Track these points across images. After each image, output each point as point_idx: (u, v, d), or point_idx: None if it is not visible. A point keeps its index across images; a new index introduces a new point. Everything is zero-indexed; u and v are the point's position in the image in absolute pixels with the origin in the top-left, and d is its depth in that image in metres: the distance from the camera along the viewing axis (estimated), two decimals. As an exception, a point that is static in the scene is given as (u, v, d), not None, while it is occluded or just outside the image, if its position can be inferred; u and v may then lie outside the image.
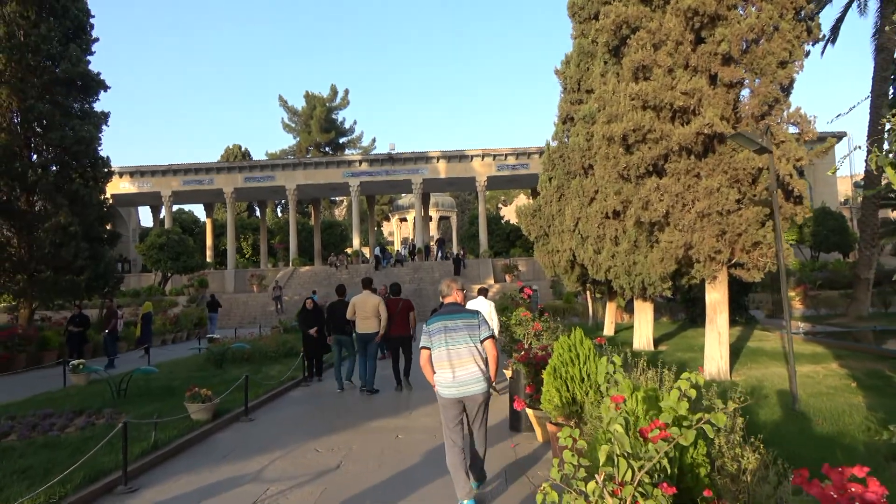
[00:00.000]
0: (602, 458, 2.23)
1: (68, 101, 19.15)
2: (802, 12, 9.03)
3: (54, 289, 18.41)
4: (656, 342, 14.51)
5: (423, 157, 39.95)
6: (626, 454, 2.15)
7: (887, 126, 3.76)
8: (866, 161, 19.94)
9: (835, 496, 1.70)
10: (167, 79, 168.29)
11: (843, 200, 48.24)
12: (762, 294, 24.94)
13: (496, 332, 9.91)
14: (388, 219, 66.72)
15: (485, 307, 9.95)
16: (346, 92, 57.49)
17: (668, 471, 2.21)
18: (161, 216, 43.89)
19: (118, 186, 40.09)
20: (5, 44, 17.39)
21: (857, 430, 6.03)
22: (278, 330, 20.63)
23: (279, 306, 31.48)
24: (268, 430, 7.76)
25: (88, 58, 19.84)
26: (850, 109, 5.16)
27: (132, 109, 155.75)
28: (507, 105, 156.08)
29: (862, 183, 39.82)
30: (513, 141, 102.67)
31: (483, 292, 10.68)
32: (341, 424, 7.87)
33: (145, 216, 50.33)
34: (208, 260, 42.08)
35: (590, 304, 21.84)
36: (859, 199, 47.56)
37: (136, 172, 40.78)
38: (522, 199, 64.72)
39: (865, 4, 22.36)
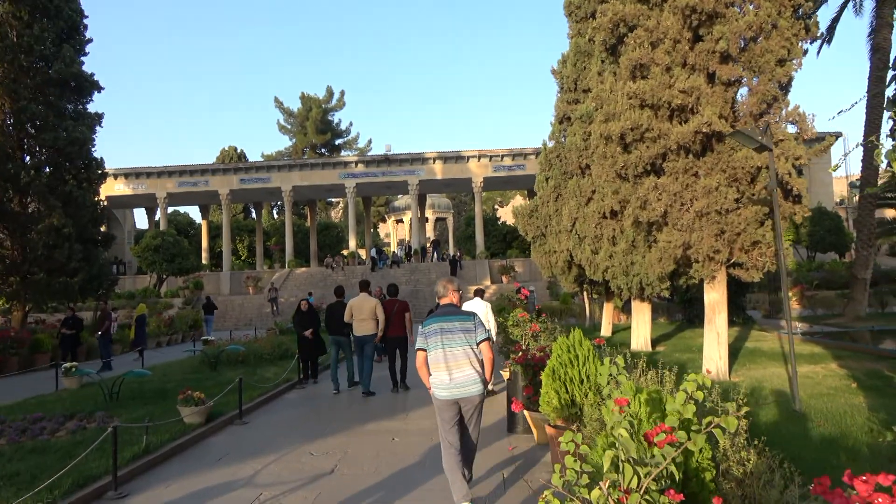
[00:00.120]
0: (606, 464, 2.14)
1: (62, 102, 19.00)
2: (800, 10, 8.98)
3: (47, 291, 18.26)
4: (654, 343, 14.44)
5: (419, 158, 39.86)
6: (631, 460, 2.06)
7: (892, 123, 3.68)
8: (862, 161, 19.95)
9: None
10: (162, 80, 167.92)
11: (838, 201, 48.36)
12: (759, 294, 24.92)
13: (493, 334, 9.88)
14: (384, 220, 66.60)
15: (481, 309, 9.86)
16: (342, 93, 57.40)
17: (676, 477, 2.11)
18: (156, 218, 43.68)
19: (113, 188, 39.90)
20: (-2, 44, 17.26)
21: (860, 431, 5.95)
22: (274, 332, 20.52)
23: (275, 308, 31.33)
24: (262, 433, 7.65)
25: (82, 58, 19.72)
26: (853, 106, 5.09)
27: (127, 111, 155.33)
28: (504, 106, 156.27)
29: (858, 183, 39.89)
30: (509, 142, 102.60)
31: (479, 293, 10.59)
32: (336, 427, 7.76)
33: (141, 218, 50.04)
34: (204, 262, 41.90)
35: (587, 305, 21.77)
36: (855, 199, 47.68)
37: (130, 174, 40.58)
38: (519, 200, 64.68)
39: (861, 4, 22.39)
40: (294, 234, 43.00)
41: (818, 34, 9.40)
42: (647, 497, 2.00)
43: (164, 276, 35.21)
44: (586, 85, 14.25)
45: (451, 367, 4.64)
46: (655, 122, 8.95)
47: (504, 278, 34.23)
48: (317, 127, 54.68)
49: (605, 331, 17.33)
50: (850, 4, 22.38)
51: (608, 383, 2.79)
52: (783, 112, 8.95)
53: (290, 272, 38.32)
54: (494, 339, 10.11)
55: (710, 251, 8.82)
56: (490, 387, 9.73)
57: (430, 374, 4.77)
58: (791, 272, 27.94)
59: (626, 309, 21.06)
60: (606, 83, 10.27)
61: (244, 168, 41.50)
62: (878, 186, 16.50)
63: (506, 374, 9.03)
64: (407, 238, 52.55)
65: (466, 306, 9.62)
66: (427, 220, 53.62)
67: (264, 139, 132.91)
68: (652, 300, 14.28)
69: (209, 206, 46.51)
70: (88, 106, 20.05)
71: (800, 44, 8.87)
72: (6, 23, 17.58)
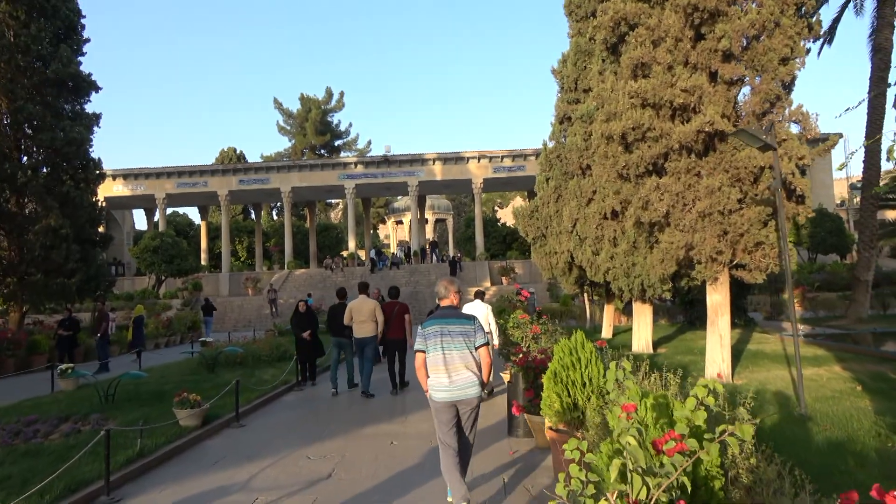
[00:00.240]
0: (613, 474, 2.04)
1: (59, 102, 18.90)
2: (803, 8, 8.89)
3: (45, 292, 18.15)
4: (655, 345, 14.33)
5: (418, 160, 39.76)
6: (640, 470, 1.96)
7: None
8: (864, 162, 19.85)
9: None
10: (161, 81, 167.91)
11: (839, 202, 48.28)
12: (760, 296, 24.80)
13: (496, 336, 9.80)
14: (384, 221, 66.48)
15: (482, 311, 9.77)
16: (342, 94, 57.31)
17: (687, 487, 2.01)
18: (155, 219, 43.57)
19: (112, 189, 39.79)
20: (-5, 44, 17.16)
21: (867, 435, 5.84)
22: (273, 333, 20.41)
23: (274, 309, 31.23)
24: (259, 436, 7.54)
25: (80, 58, 19.62)
26: (860, 103, 4.99)
27: (126, 112, 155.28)
28: (504, 107, 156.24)
29: (859, 185, 39.82)
30: (509, 143, 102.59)
31: (480, 295, 10.49)
32: (334, 430, 7.65)
33: (140, 220, 49.94)
34: (203, 263, 41.78)
35: (587, 307, 21.66)
36: (856, 200, 47.61)
37: (129, 175, 40.47)
38: (519, 202, 64.57)
39: (862, 5, 22.30)
40: (293, 236, 42.88)
41: (821, 33, 9.32)
42: (657, 509, 1.90)
43: (163, 278, 35.09)
44: (587, 84, 14.16)
45: (449, 369, 4.63)
46: (657, 122, 8.86)
47: (504, 280, 34.12)
48: (316, 128, 54.58)
49: (606, 333, 17.23)
50: (851, 4, 22.30)
51: (614, 388, 2.69)
52: (786, 111, 8.86)
53: (289, 273, 38.20)
54: (496, 341, 10.05)
55: (712, 252, 8.72)
56: (489, 389, 9.65)
57: (427, 376, 4.75)
58: (793, 274, 27.81)
59: (626, 311, 20.95)
60: (607, 82, 10.17)
61: (243, 169, 41.38)
62: (881, 187, 16.38)
63: (506, 377, 8.92)
64: (407, 239, 52.45)
65: (467, 308, 9.56)
66: (427, 221, 53.51)
67: (263, 140, 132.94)
68: (653, 302, 14.17)
69: (208, 207, 46.40)
70: (86, 106, 19.96)
71: (802, 42, 8.78)
72: (3, 22, 17.48)
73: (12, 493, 5.02)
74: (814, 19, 9.04)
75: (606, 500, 1.92)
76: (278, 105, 57.01)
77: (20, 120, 17.79)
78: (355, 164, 40.33)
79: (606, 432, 3.76)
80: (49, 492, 5.01)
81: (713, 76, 8.97)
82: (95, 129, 20.03)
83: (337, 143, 57.43)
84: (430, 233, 55.45)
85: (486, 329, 9.48)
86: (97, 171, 20.20)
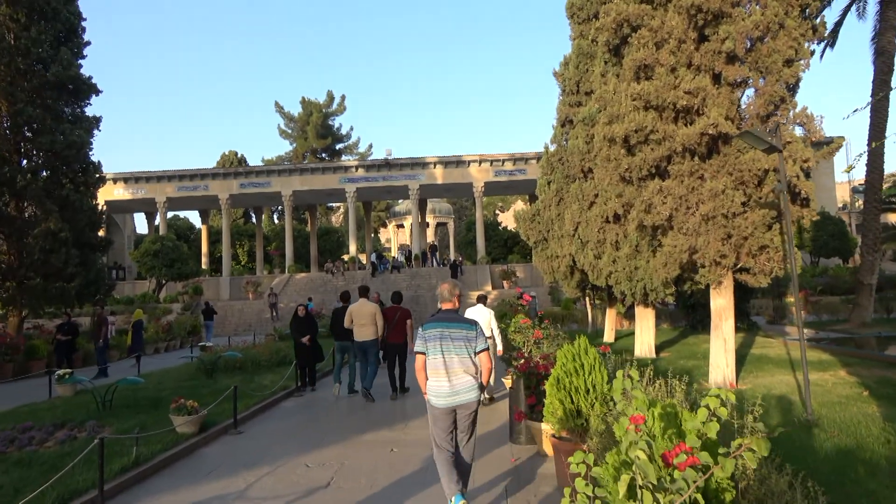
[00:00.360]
0: (622, 490, 1.93)
1: (59, 105, 18.85)
2: (807, 10, 8.81)
3: (44, 296, 18.06)
4: (658, 349, 14.22)
5: (419, 163, 39.69)
6: (650, 486, 1.85)
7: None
8: (867, 165, 19.74)
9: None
10: (163, 84, 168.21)
11: (840, 206, 48.16)
12: (763, 300, 24.68)
13: (498, 341, 9.73)
14: (385, 225, 66.39)
15: (485, 315, 9.69)
16: (343, 98, 57.31)
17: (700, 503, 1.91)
18: (156, 223, 43.52)
19: (112, 193, 39.77)
20: (-6, 47, 17.13)
21: (876, 442, 5.72)
22: (273, 337, 20.28)
23: (274, 314, 31.14)
24: (257, 443, 7.43)
25: (80, 61, 19.57)
26: (868, 104, 4.88)
27: (128, 115, 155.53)
28: (505, 111, 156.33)
29: (861, 188, 39.66)
30: (510, 146, 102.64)
31: (482, 299, 10.40)
32: (334, 437, 7.54)
33: (141, 223, 50.01)
34: (204, 267, 41.69)
35: (589, 311, 21.54)
36: (858, 203, 47.47)
37: (130, 179, 40.45)
38: (520, 205, 64.46)
39: (864, 8, 22.22)
40: (294, 239, 42.79)
41: (825, 35, 9.23)
42: (669, 528, 1.79)
43: (164, 282, 35.00)
44: (589, 87, 14.09)
45: (449, 373, 4.61)
46: (660, 124, 8.77)
47: (505, 283, 34.00)
48: (317, 132, 54.59)
49: (608, 337, 17.11)
50: (854, 7, 22.23)
51: (622, 399, 2.58)
52: (790, 114, 8.77)
53: (290, 277, 38.11)
54: (499, 346, 9.97)
55: (716, 256, 8.62)
56: (489, 395, 9.56)
57: (426, 379, 4.73)
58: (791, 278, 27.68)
59: (628, 314, 20.82)
60: (610, 84, 10.09)
61: (244, 172, 41.34)
62: (888, 189, 16.30)
63: (508, 383, 8.81)
64: (408, 243, 52.35)
65: (469, 312, 9.53)
66: (428, 224, 53.42)
67: (265, 144, 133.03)
68: (656, 306, 14.06)
69: (209, 210, 46.35)
70: (86, 109, 19.90)
71: (806, 44, 8.70)
72: (3, 25, 17.45)
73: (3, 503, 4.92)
74: (818, 21, 8.97)
75: (615, 518, 1.82)
76: (279, 109, 57.06)
77: (20, 123, 17.74)
78: (356, 167, 40.27)
79: (612, 441, 3.65)
80: (41, 502, 4.90)
81: (717, 78, 8.88)
82: (96, 132, 19.97)
83: (338, 146, 57.43)
84: (431, 236, 55.36)
85: (489, 334, 9.41)
86: (97, 175, 20.13)
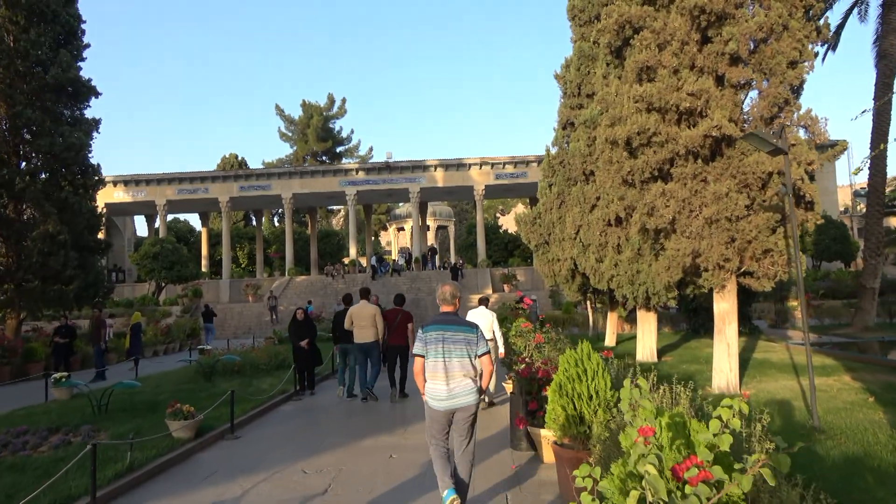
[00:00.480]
0: (631, 507, 1.83)
1: (58, 107, 18.78)
2: (811, 11, 8.73)
3: (42, 299, 17.96)
4: (660, 353, 14.11)
5: (420, 166, 39.62)
6: (661, 502, 1.75)
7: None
8: (870, 168, 19.65)
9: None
10: (163, 88, 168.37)
11: (842, 209, 48.07)
12: (764, 304, 24.57)
13: (500, 344, 9.65)
14: (385, 228, 66.33)
15: (487, 317, 9.62)
16: (344, 101, 57.30)
17: (714, 523, 1.81)
18: (156, 225, 43.45)
19: (112, 195, 39.71)
20: (-6, 49, 17.08)
21: (884, 450, 5.62)
22: (272, 341, 20.16)
23: (274, 316, 31.04)
24: (254, 448, 7.32)
25: (80, 64, 19.51)
26: (876, 106, 4.79)
27: (128, 118, 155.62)
28: (506, 113, 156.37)
29: (862, 192, 39.50)
30: (511, 149, 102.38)
31: (484, 302, 10.32)
32: (332, 442, 7.43)
33: (141, 226, 49.92)
34: (204, 269, 41.60)
35: (590, 315, 21.44)
36: (859, 207, 47.30)
37: (130, 181, 40.39)
38: (520, 209, 64.42)
39: (866, 11, 22.18)
40: (294, 242, 42.70)
41: (829, 37, 9.15)
42: (681, 548, 1.69)
43: (163, 284, 34.90)
44: (590, 90, 14.02)
45: (448, 377, 4.58)
46: (663, 126, 8.68)
47: (506, 287, 33.90)
48: (318, 134, 54.58)
49: (610, 341, 17.01)
50: (856, 10, 22.19)
51: (629, 410, 2.48)
52: (794, 116, 8.67)
53: (289, 280, 38.02)
54: (501, 348, 9.89)
55: (720, 259, 8.53)
56: (490, 399, 9.47)
57: (425, 382, 4.70)
58: (796, 282, 27.60)
59: (629, 318, 20.71)
60: (612, 86, 10.00)
61: (244, 175, 41.27)
62: (888, 193, 16.22)
63: (508, 388, 8.71)
64: (408, 246, 52.25)
65: (471, 315, 9.50)
66: (428, 228, 53.32)
67: (265, 147, 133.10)
68: (657, 310, 13.95)
69: (209, 213, 46.28)
70: (86, 111, 19.81)
71: (810, 46, 8.61)
72: (2, 27, 17.40)
73: (-6, 510, 4.82)
74: (821, 22, 8.89)
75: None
76: (280, 111, 57.08)
77: (19, 125, 17.68)
78: (357, 170, 40.21)
79: (616, 450, 3.55)
80: (32, 509, 4.79)
81: (720, 80, 8.80)
82: (95, 134, 19.89)
83: (339, 149, 57.40)
84: (431, 239, 55.26)
85: (491, 336, 9.34)
86: (96, 177, 20.05)
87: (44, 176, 18.77)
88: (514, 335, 10.92)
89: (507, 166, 39.09)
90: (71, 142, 18.35)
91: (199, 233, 48.45)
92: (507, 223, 64.46)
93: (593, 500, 1.89)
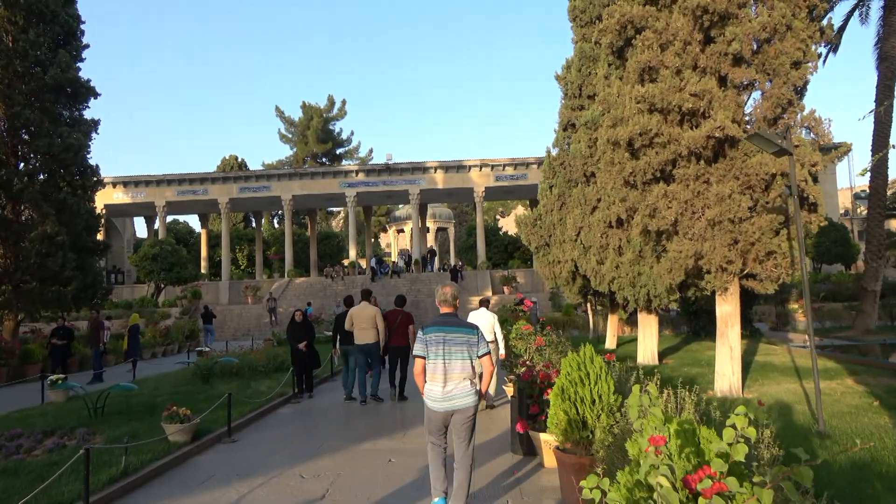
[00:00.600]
0: (642, 520, 1.75)
1: (57, 108, 18.70)
2: (814, 12, 8.65)
3: (40, 300, 17.87)
4: (661, 356, 14.02)
5: (420, 168, 39.55)
6: (674, 516, 1.67)
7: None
8: (871, 171, 19.58)
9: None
10: (163, 88, 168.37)
11: (842, 212, 48.00)
12: (764, 306, 24.50)
13: (501, 345, 9.59)
14: (385, 230, 66.23)
15: (488, 319, 9.56)
16: (344, 102, 57.24)
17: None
18: (155, 227, 43.34)
19: (112, 197, 39.61)
20: (-8, 49, 17.00)
21: (891, 455, 5.53)
22: (271, 342, 20.08)
23: (273, 318, 30.94)
24: (251, 452, 7.22)
25: (79, 64, 19.44)
26: (872, 111, 4.71)
27: (128, 119, 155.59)
28: (506, 115, 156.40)
29: (863, 194, 39.42)
30: (511, 151, 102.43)
31: (485, 303, 10.26)
32: (330, 446, 7.33)
33: (141, 228, 49.70)
34: (203, 271, 41.48)
35: (590, 317, 21.34)
36: (860, 209, 47.22)
37: (129, 182, 40.30)
38: (520, 210, 64.33)
39: (867, 13, 22.13)
40: (294, 244, 42.60)
41: (832, 37, 9.08)
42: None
43: (162, 286, 34.79)
44: (591, 91, 13.95)
45: (447, 378, 4.58)
46: (665, 127, 8.59)
47: (506, 289, 33.81)
48: (318, 136, 54.49)
49: (610, 343, 16.92)
50: (857, 13, 22.14)
51: (639, 417, 2.39)
52: (798, 117, 8.60)
53: (289, 282, 37.92)
54: (502, 349, 9.83)
55: (722, 261, 8.44)
56: (490, 402, 9.39)
57: (425, 382, 4.70)
58: (797, 284, 27.53)
59: (630, 321, 20.62)
60: (613, 87, 9.93)
61: (244, 177, 41.18)
62: (889, 197, 16.16)
63: (509, 391, 8.62)
64: (408, 248, 52.15)
65: (472, 316, 9.48)
66: (428, 229, 53.23)
67: (265, 148, 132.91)
68: (659, 312, 13.87)
69: (209, 214, 46.18)
70: (84, 112, 19.74)
71: (814, 47, 8.54)
72: (1, 27, 17.34)
73: (-15, 516, 4.73)
74: (825, 23, 8.82)
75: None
76: (280, 113, 57.01)
77: (17, 125, 17.59)
78: (356, 172, 40.12)
79: (621, 456, 3.46)
80: (24, 514, 4.70)
81: (723, 80, 8.72)
82: (94, 135, 19.81)
83: (338, 151, 57.32)
84: (431, 241, 55.16)
85: (492, 338, 9.29)
86: (95, 178, 19.97)
87: (42, 177, 18.69)
88: (515, 337, 10.83)
89: (507, 168, 39.02)
90: (70, 142, 18.26)
91: (199, 234, 48.36)
92: (507, 225, 64.44)
93: (601, 511, 1.81)
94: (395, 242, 61.16)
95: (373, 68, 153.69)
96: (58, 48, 18.58)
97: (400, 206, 54.56)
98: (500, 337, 9.67)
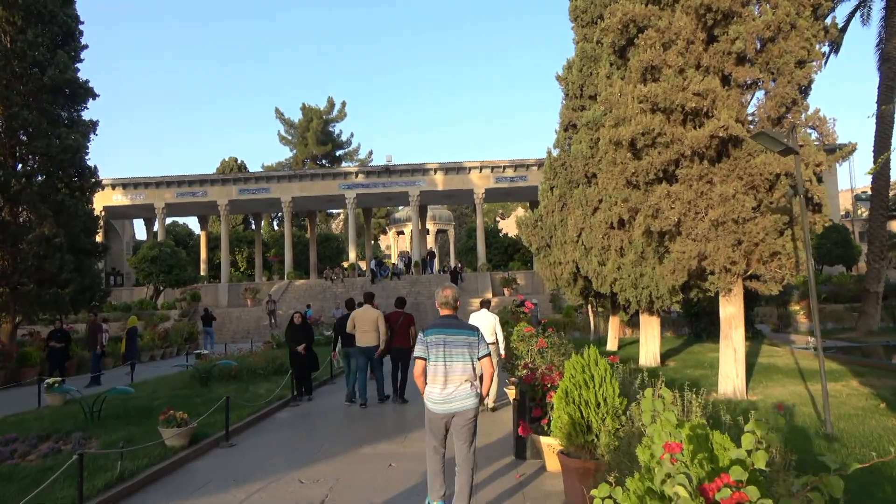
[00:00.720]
0: (659, 533, 1.65)
1: (55, 108, 18.58)
2: (818, 10, 8.57)
3: (37, 302, 17.73)
4: (663, 358, 13.93)
5: (420, 169, 39.47)
6: (693, 529, 1.57)
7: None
8: (873, 174, 19.49)
9: None
10: (163, 90, 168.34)
11: (843, 213, 47.95)
12: (766, 308, 24.39)
13: (501, 346, 9.52)
14: (385, 232, 66.12)
15: (489, 320, 9.49)
16: (343, 104, 57.14)
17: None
18: (154, 229, 43.25)
19: (111, 198, 39.51)
20: (-10, 50, 16.90)
21: (901, 458, 5.42)
22: (271, 345, 19.98)
23: (273, 320, 30.85)
24: (249, 456, 7.11)
25: (77, 65, 19.31)
26: (875, 113, 4.62)
27: (127, 121, 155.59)
28: (506, 116, 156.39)
29: (863, 195, 39.30)
30: (511, 153, 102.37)
31: (486, 304, 10.18)
32: (329, 450, 7.23)
33: (140, 230, 49.55)
34: (202, 273, 41.38)
35: (591, 319, 21.24)
36: (860, 211, 47.06)
37: (129, 184, 40.20)
38: (521, 212, 64.20)
39: (869, 14, 22.06)
40: (294, 246, 42.50)
41: (836, 36, 9.01)
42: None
43: (161, 288, 34.69)
44: (593, 91, 13.87)
45: (448, 380, 4.55)
46: (668, 127, 8.51)
47: (506, 291, 33.71)
48: (317, 138, 54.39)
49: (611, 345, 16.82)
50: (858, 14, 22.07)
51: (651, 422, 2.29)
52: (802, 116, 8.51)
53: (289, 284, 37.81)
54: (502, 350, 9.75)
55: (726, 262, 8.35)
56: (491, 404, 9.29)
57: (425, 384, 4.65)
58: (799, 286, 27.44)
59: (631, 322, 20.53)
60: (616, 87, 9.85)
61: (243, 179, 41.09)
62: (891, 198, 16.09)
63: (511, 393, 8.52)
64: (408, 250, 52.05)
65: (474, 317, 9.43)
66: (428, 231, 53.14)
67: (265, 150, 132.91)
68: (661, 314, 13.77)
69: (208, 216, 46.08)
70: (83, 113, 19.58)
71: (818, 46, 8.46)
72: (-1, 28, 17.24)
73: (-24, 523, 4.62)
74: (829, 21, 8.74)
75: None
76: (280, 115, 56.91)
77: (15, 126, 17.47)
78: (356, 173, 40.04)
79: (630, 463, 3.36)
80: (16, 521, 4.60)
81: (726, 80, 8.65)
82: (92, 136, 19.67)
83: (338, 152, 57.21)
84: (431, 243, 55.07)
85: (493, 339, 9.22)
86: (93, 180, 19.84)
87: (40, 178, 18.54)
88: (517, 339, 10.73)
89: (507, 169, 38.94)
90: (68, 144, 18.15)
91: (198, 236, 48.26)
92: (507, 227, 64.32)
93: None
94: (394, 244, 61.07)
95: (372, 70, 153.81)
96: (56, 49, 18.46)
97: (400, 207, 54.51)
98: (500, 338, 9.60)
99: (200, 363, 13.22)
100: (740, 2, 8.27)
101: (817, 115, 8.42)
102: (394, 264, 44.05)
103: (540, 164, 33.19)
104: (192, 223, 54.61)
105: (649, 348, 13.45)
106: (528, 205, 46.30)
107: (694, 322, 19.97)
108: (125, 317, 27.51)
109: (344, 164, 56.06)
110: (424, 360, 4.61)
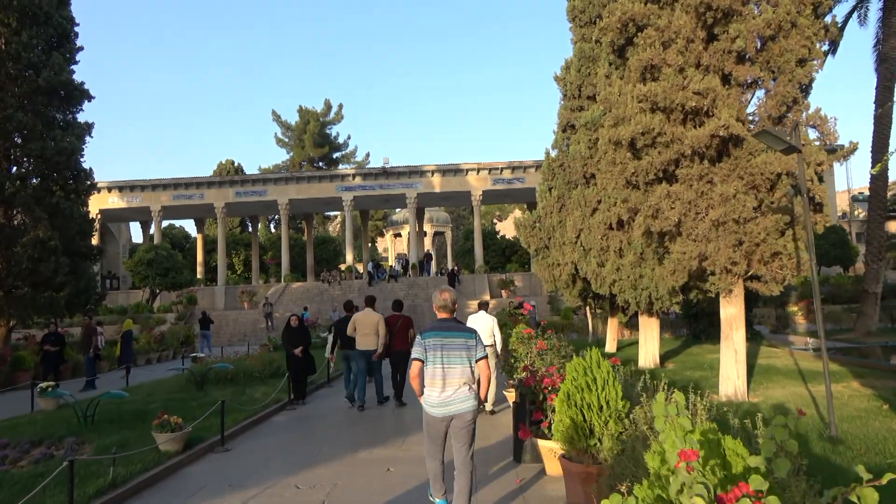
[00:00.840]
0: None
1: (50, 110, 18.44)
2: (819, 9, 8.51)
3: (32, 306, 17.58)
4: (662, 359, 13.84)
5: (417, 171, 39.40)
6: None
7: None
8: (871, 174, 19.47)
9: None
10: (160, 93, 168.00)
11: (840, 214, 48.00)
12: (764, 309, 24.35)
13: (499, 348, 9.44)
14: (382, 234, 65.99)
15: (487, 321, 9.41)
16: (340, 106, 57.03)
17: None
18: (151, 232, 43.07)
19: (107, 201, 39.34)
20: (-16, 52, 16.77)
21: (908, 461, 5.34)
22: (267, 348, 19.84)
23: (269, 323, 30.71)
24: (245, 461, 7.00)
25: (72, 67, 19.19)
26: (874, 112, 4.55)
27: (124, 123, 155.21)
28: (503, 118, 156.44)
29: (861, 196, 39.37)
30: (509, 154, 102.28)
31: (484, 306, 10.11)
32: (327, 455, 7.12)
33: (137, 233, 49.29)
34: (199, 276, 41.20)
35: (590, 320, 21.16)
36: (857, 212, 47.14)
37: (125, 187, 40.03)
38: (518, 214, 64.12)
39: (866, 15, 22.04)
40: (291, 249, 42.36)
41: (836, 34, 8.95)
42: None
43: (158, 291, 34.51)
44: (591, 91, 13.81)
45: (446, 383, 4.52)
46: (668, 126, 8.43)
47: (503, 293, 33.61)
48: (314, 140, 54.26)
49: (610, 347, 16.74)
50: (855, 14, 22.05)
51: (663, 428, 2.20)
52: (803, 115, 8.45)
53: (285, 286, 37.67)
54: (500, 353, 9.67)
55: (727, 263, 8.27)
56: (490, 406, 9.20)
57: (423, 386, 4.64)
58: (796, 287, 27.40)
59: (630, 324, 20.45)
60: (615, 86, 9.77)
61: (240, 181, 40.95)
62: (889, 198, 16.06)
63: (510, 396, 8.42)
64: (405, 252, 51.93)
65: (472, 319, 9.36)
66: (425, 234, 53.04)
67: (262, 153, 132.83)
68: (660, 315, 13.70)
69: (205, 219, 45.92)
70: (78, 115, 19.47)
71: (818, 44, 8.40)
72: (-7, 30, 17.11)
73: (-37, 531, 4.50)
74: (829, 20, 8.68)
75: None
76: (277, 117, 56.76)
77: (9, 129, 17.31)
78: (353, 176, 39.95)
79: (635, 468, 3.26)
80: (5, 529, 4.49)
81: (726, 78, 8.57)
82: (87, 138, 19.54)
83: (335, 155, 57.09)
84: (428, 245, 54.94)
85: (492, 341, 9.14)
86: (88, 182, 19.69)
87: (35, 181, 18.41)
88: (515, 341, 10.64)
89: (504, 171, 38.89)
90: (63, 146, 18.02)
91: (195, 239, 48.10)
92: (505, 229, 64.23)
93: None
94: (392, 247, 60.92)
95: (370, 72, 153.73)
96: (51, 50, 18.35)
97: (397, 210, 54.41)
98: (498, 339, 9.53)
99: (196, 366, 13.09)
100: (741, 0, 8.20)
101: (818, 115, 8.35)
102: (391, 266, 43.93)
103: (537, 165, 33.17)
104: (189, 226, 54.60)
105: (648, 350, 13.37)
106: (525, 206, 46.26)
107: (692, 323, 19.90)
108: (121, 320, 27.35)
109: (341, 166, 55.92)
110: (421, 361, 4.56)
